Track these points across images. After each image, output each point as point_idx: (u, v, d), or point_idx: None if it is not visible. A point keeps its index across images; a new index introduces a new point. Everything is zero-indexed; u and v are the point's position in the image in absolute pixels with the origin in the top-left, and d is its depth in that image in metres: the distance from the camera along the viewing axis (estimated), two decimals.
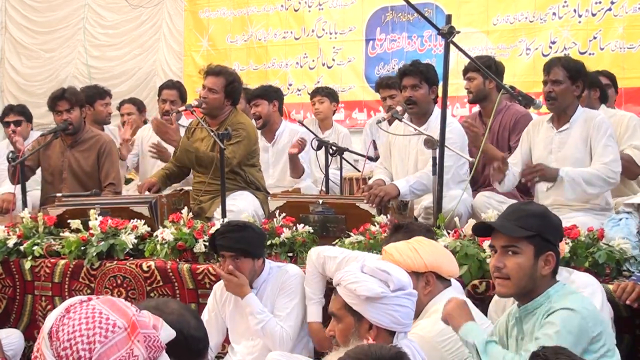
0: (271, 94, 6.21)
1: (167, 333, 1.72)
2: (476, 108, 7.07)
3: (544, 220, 2.68)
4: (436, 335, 2.88)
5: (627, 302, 3.31)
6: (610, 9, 7.49)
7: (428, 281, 3.01)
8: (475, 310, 3.11)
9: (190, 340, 1.97)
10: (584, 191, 4.22)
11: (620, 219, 4.00)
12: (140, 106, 7.39)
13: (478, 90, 5.23)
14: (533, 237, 2.65)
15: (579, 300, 2.60)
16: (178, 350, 1.89)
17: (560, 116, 4.42)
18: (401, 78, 4.89)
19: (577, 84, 4.37)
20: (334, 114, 7.26)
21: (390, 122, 5.31)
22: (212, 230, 4.23)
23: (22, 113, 6.61)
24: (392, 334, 2.53)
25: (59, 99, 5.57)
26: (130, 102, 7.36)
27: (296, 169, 5.91)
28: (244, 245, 3.73)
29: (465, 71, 5.27)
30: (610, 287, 3.40)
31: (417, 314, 2.96)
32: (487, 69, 5.07)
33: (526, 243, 2.65)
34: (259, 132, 6.14)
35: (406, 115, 4.92)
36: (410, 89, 4.80)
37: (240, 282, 3.76)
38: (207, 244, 4.28)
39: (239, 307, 3.85)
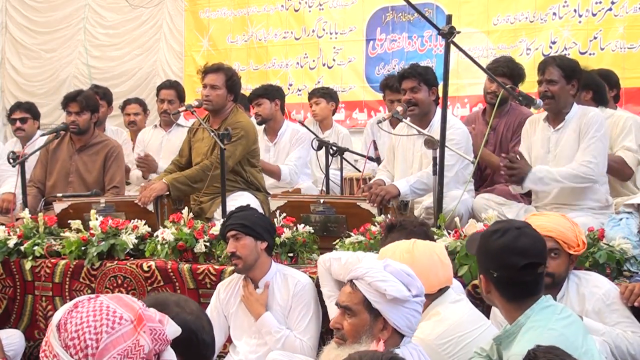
0: (273, 93, 6.22)
1: (172, 329, 1.74)
2: (476, 108, 7.10)
3: (480, 243, 2.68)
4: (436, 339, 2.87)
5: (635, 304, 3.28)
6: (610, 9, 7.48)
7: None
8: (475, 310, 3.12)
9: (202, 344, 2.00)
10: (562, 185, 4.28)
11: (621, 219, 4.00)
12: (145, 107, 7.41)
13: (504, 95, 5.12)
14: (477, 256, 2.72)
15: (537, 342, 2.41)
16: (189, 351, 1.93)
17: (557, 115, 4.43)
18: (400, 81, 4.91)
19: (572, 83, 4.38)
20: (333, 113, 7.21)
21: (394, 124, 5.31)
22: (208, 241, 4.29)
23: (28, 110, 6.66)
24: (400, 337, 2.50)
25: (71, 101, 5.67)
26: (136, 102, 7.36)
27: (270, 172, 5.92)
28: (244, 221, 3.74)
29: (503, 75, 5.13)
30: None
31: None
32: (516, 76, 5.12)
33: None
34: (261, 131, 6.16)
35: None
36: (410, 91, 4.81)
37: (259, 299, 3.75)
38: (207, 244, 4.29)
39: (243, 307, 3.86)
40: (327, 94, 7.08)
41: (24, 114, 6.60)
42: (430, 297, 3.00)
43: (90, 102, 5.73)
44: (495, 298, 2.62)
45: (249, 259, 3.77)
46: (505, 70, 5.19)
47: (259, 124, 6.18)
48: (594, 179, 4.28)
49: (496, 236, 2.59)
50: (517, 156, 4.34)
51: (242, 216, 3.80)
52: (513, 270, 2.54)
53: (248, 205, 4.03)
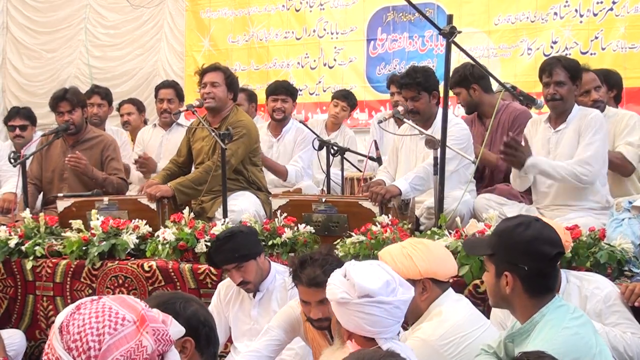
0: (295, 95, 6.37)
1: (176, 329, 1.75)
2: None
3: (502, 239, 2.60)
4: (438, 339, 2.87)
5: (636, 304, 3.27)
6: (611, 9, 7.49)
7: (425, 287, 2.97)
8: (475, 310, 3.12)
9: (217, 341, 2.12)
10: (552, 178, 4.26)
11: (623, 219, 3.99)
12: (139, 106, 7.38)
13: (467, 102, 5.30)
14: (492, 256, 2.62)
15: (553, 340, 2.45)
16: (208, 346, 2.07)
17: (560, 116, 4.44)
18: (400, 89, 4.94)
19: (576, 83, 4.41)
20: None
21: (399, 124, 5.31)
22: (209, 240, 4.24)
23: (28, 117, 6.56)
24: (369, 340, 2.52)
25: (61, 100, 5.60)
26: (129, 102, 7.35)
27: (276, 172, 5.92)
28: (241, 250, 3.67)
29: (451, 87, 5.12)
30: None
31: (415, 318, 2.99)
32: (463, 80, 5.12)
33: (489, 262, 2.65)
34: (265, 127, 6.18)
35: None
36: (411, 100, 4.82)
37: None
38: (208, 244, 4.28)
39: (244, 308, 3.86)
40: (353, 105, 7.22)
41: (24, 121, 6.48)
42: (434, 295, 3.01)
43: (79, 97, 5.70)
44: (517, 296, 2.55)
45: (257, 278, 3.74)
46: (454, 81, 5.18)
47: (280, 120, 6.17)
48: (589, 182, 4.27)
49: (521, 229, 2.56)
50: (523, 142, 4.33)
51: (232, 247, 3.66)
52: (545, 260, 2.52)
53: (228, 231, 3.79)
